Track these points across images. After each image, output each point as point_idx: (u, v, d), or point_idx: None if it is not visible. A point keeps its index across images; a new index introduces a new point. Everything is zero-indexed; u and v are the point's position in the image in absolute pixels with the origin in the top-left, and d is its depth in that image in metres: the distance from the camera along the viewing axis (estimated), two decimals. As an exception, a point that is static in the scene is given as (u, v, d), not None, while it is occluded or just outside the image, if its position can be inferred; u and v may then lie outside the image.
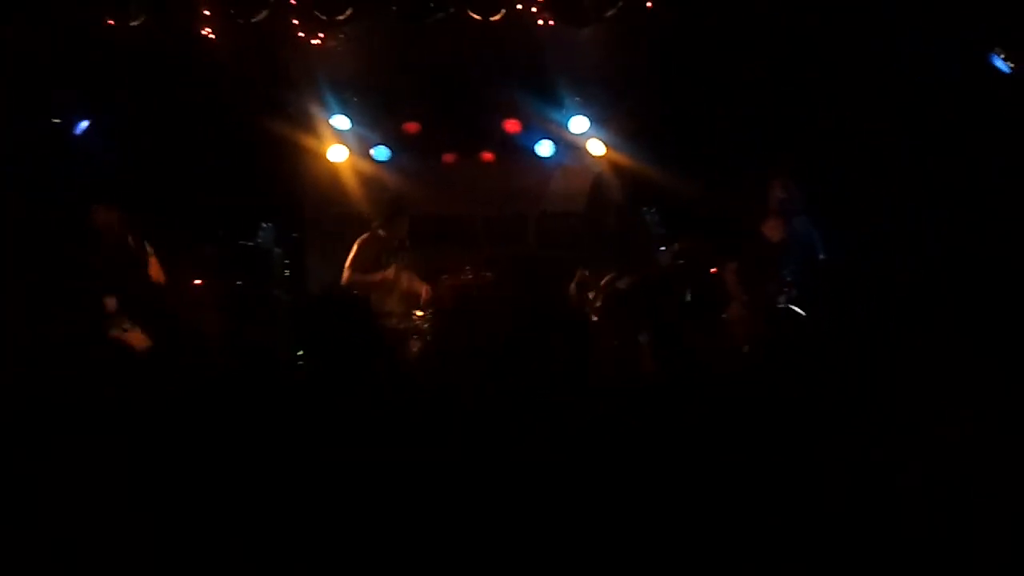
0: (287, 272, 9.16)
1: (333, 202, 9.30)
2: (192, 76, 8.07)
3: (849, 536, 2.76)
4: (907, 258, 6.99)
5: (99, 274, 6.90)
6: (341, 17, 7.17)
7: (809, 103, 7.44)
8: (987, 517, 2.69)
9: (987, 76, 6.87)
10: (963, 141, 6.90)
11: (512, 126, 8.97)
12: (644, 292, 6.87)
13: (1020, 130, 6.61)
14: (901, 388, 3.23)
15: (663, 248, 6.87)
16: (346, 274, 7.59)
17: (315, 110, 8.78)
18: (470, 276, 8.28)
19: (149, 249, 7.18)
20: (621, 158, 8.70)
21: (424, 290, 7.65)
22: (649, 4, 7.22)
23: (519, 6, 7.19)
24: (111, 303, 6.86)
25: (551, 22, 7.28)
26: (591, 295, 7.02)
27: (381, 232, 7.60)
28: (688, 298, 7.83)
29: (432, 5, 7.10)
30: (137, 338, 6.83)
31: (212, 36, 7.36)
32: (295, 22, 7.38)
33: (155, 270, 7.21)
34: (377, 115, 9.03)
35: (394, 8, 7.23)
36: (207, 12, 7.26)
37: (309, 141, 8.99)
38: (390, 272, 7.53)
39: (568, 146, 9.06)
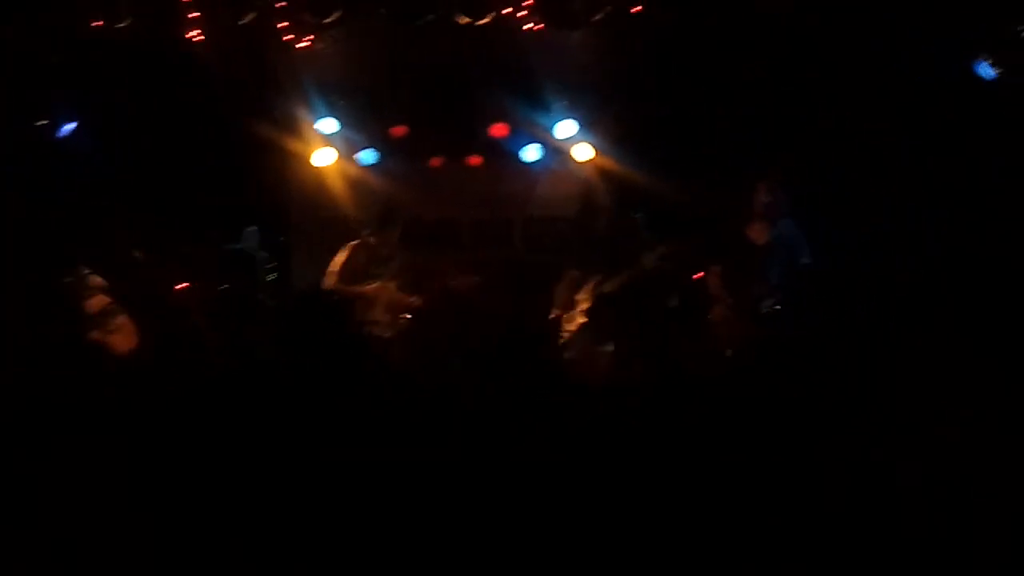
0: (272, 276, 9.14)
1: (319, 206, 9.26)
2: (178, 78, 8.03)
3: (848, 536, 2.77)
4: (907, 258, 7.01)
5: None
6: (329, 20, 7.16)
7: (807, 104, 7.46)
8: (987, 517, 2.70)
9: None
10: (963, 141, 6.92)
11: (499, 130, 8.96)
12: (630, 294, 6.88)
13: (1020, 130, 6.63)
14: (901, 388, 3.24)
15: (649, 251, 6.88)
16: (331, 280, 7.56)
17: (302, 113, 8.75)
18: (456, 280, 8.27)
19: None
20: (608, 162, 8.70)
21: (410, 301, 7.65)
22: (636, 9, 7.21)
23: (507, 10, 7.19)
24: (94, 304, 6.81)
25: (539, 26, 7.28)
26: (579, 297, 7.02)
27: (372, 240, 7.58)
28: (673, 303, 7.85)
29: (421, 9, 7.09)
30: (121, 340, 6.80)
31: (199, 38, 7.32)
32: (283, 25, 7.35)
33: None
34: (364, 118, 9.01)
35: (383, 11, 7.22)
36: (194, 14, 7.22)
37: (296, 144, 8.96)
38: (374, 288, 7.50)
39: (555, 150, 9.07)
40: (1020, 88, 6.70)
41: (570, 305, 7.10)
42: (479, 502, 2.99)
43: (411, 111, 8.98)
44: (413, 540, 2.93)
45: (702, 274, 7.08)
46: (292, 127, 8.84)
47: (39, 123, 7.96)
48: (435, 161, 9.33)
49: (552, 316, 7.18)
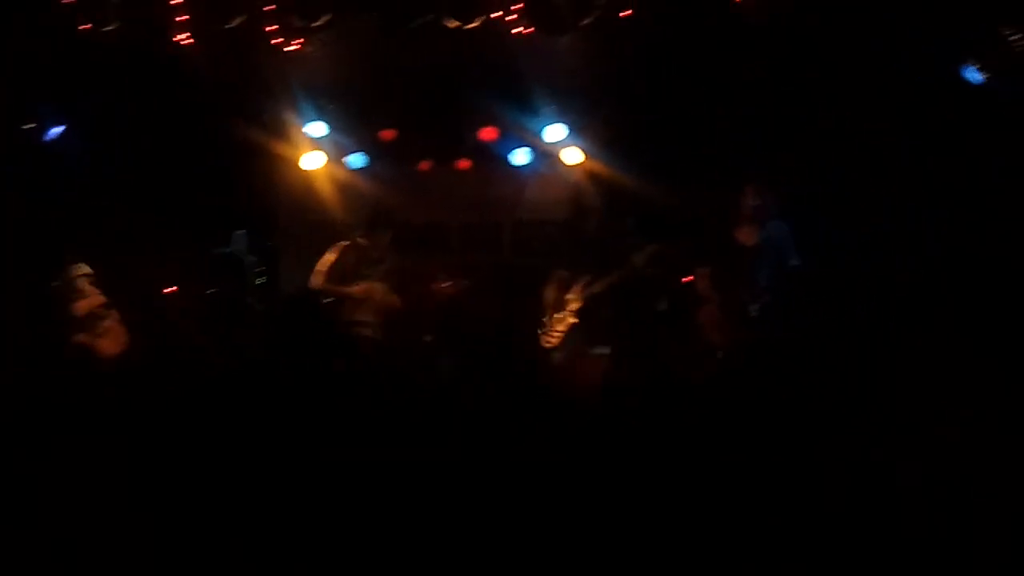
0: (261, 280, 9.12)
1: (308, 209, 9.25)
2: (167, 82, 8.01)
3: (848, 536, 2.77)
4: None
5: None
6: (318, 23, 7.14)
7: (799, 104, 7.46)
8: (987, 517, 2.70)
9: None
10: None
11: (488, 134, 8.97)
12: (620, 295, 6.89)
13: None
14: (900, 388, 3.25)
15: (638, 252, 6.89)
16: (319, 279, 7.55)
17: (291, 117, 8.73)
18: (446, 283, 8.27)
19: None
20: (597, 166, 8.71)
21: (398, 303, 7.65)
22: (625, 13, 7.22)
23: (496, 14, 7.19)
24: (82, 306, 6.80)
25: (528, 30, 7.28)
26: (568, 297, 7.02)
27: (363, 241, 7.57)
28: (663, 306, 7.87)
29: (410, 13, 7.09)
30: (109, 343, 6.79)
31: (187, 42, 7.30)
32: (271, 28, 7.33)
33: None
34: (353, 122, 9.00)
35: (372, 15, 7.21)
36: (182, 17, 7.20)
37: (284, 148, 8.94)
38: (361, 288, 7.49)
39: (544, 154, 9.07)
40: (1015, 91, 6.70)
41: (559, 305, 7.10)
42: (468, 502, 2.98)
43: (400, 115, 8.97)
44: (405, 539, 2.93)
45: (691, 278, 7.10)
46: (281, 131, 8.82)
47: (26, 127, 7.92)
48: (424, 165, 9.34)
49: (542, 318, 7.18)
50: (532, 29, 7.25)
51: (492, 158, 9.18)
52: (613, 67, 7.98)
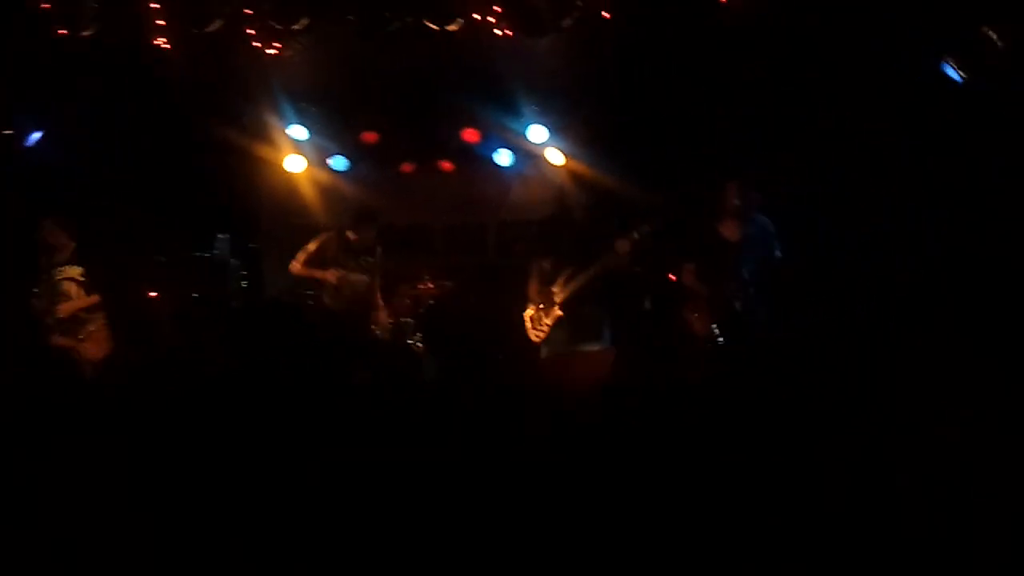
0: (244, 283, 9.11)
1: (291, 212, 9.24)
2: (146, 87, 7.99)
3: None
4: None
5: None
6: (297, 27, 7.12)
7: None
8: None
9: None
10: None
11: (470, 135, 8.97)
12: (605, 291, 6.88)
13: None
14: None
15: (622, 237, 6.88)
16: (296, 265, 7.61)
17: (272, 120, 8.72)
18: (430, 285, 8.27)
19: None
20: (579, 166, 8.72)
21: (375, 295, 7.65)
22: (605, 14, 7.22)
23: (476, 16, 7.18)
24: (63, 309, 6.78)
25: (508, 32, 7.27)
26: (554, 290, 7.02)
27: (350, 235, 7.57)
28: (648, 305, 7.88)
29: (389, 15, 7.07)
30: (92, 347, 6.77)
31: (166, 46, 7.27)
32: (250, 32, 7.30)
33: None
34: (335, 125, 8.99)
35: (351, 18, 7.20)
36: (160, 22, 7.17)
37: (266, 151, 8.93)
38: (333, 274, 7.51)
39: (527, 155, 9.07)
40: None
41: (545, 299, 7.07)
42: (460, 503, 2.98)
43: (382, 117, 8.97)
44: (394, 540, 2.92)
45: (676, 277, 7.10)
46: (262, 134, 8.81)
47: (4, 132, 7.90)
48: (407, 167, 9.34)
49: (527, 312, 7.16)
50: (511, 31, 7.23)
51: (475, 159, 9.19)
52: (593, 67, 7.98)
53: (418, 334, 7.81)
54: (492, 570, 2.85)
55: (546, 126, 8.73)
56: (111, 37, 7.18)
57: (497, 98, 8.58)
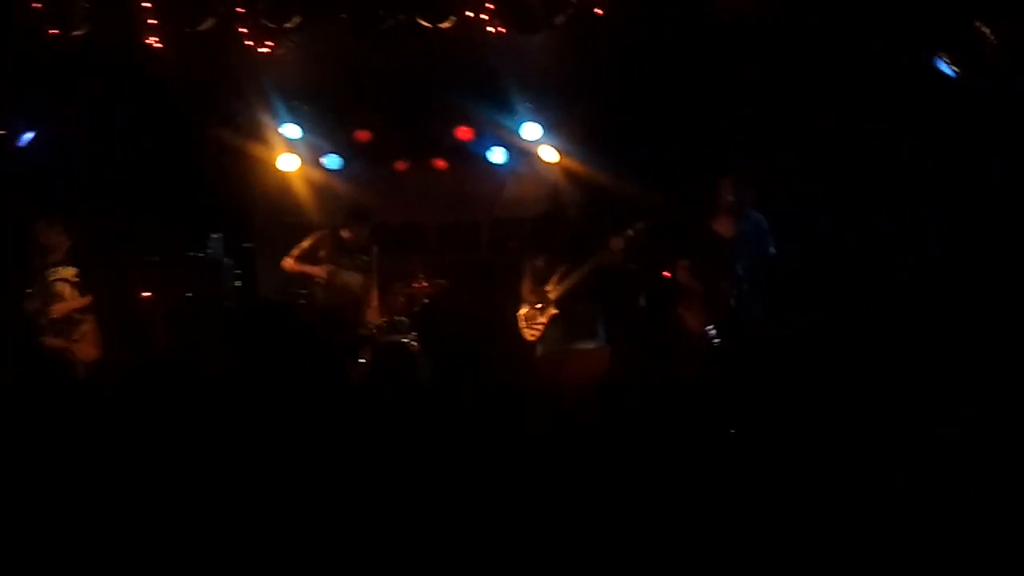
0: (238, 283, 9.09)
1: (285, 211, 9.22)
2: (139, 86, 7.96)
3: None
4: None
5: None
6: (289, 25, 7.10)
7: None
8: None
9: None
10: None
11: (464, 133, 8.95)
12: (600, 288, 6.88)
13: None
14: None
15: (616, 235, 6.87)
16: (287, 261, 7.63)
17: (265, 119, 8.70)
18: (424, 283, 8.25)
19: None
20: (574, 164, 8.71)
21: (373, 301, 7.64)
22: (598, 11, 7.21)
23: (469, 14, 7.17)
24: (57, 310, 6.76)
25: (501, 29, 7.26)
26: (548, 288, 7.01)
27: (343, 233, 7.57)
28: (642, 302, 7.88)
29: (382, 13, 7.05)
30: (86, 347, 6.76)
31: (158, 45, 7.25)
32: (242, 30, 7.28)
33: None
34: (328, 123, 8.97)
35: (343, 16, 7.18)
36: (152, 21, 7.15)
37: (259, 150, 8.91)
38: (323, 269, 7.51)
39: (521, 152, 9.06)
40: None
41: (539, 297, 7.07)
42: (456, 501, 2.98)
43: (375, 116, 8.95)
44: (389, 539, 2.92)
45: (669, 275, 7.11)
46: (256, 133, 8.79)
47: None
48: (400, 165, 9.32)
49: (521, 311, 7.15)
50: (504, 28, 7.21)
51: (468, 157, 9.17)
52: (587, 65, 7.97)
53: (413, 332, 7.79)
54: (490, 568, 2.85)
55: (540, 124, 8.72)
56: (103, 37, 7.15)
57: (491, 96, 8.56)
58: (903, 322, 5.98)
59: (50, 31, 7.09)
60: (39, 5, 7.02)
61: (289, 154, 8.95)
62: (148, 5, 7.08)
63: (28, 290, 6.88)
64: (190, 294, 8.62)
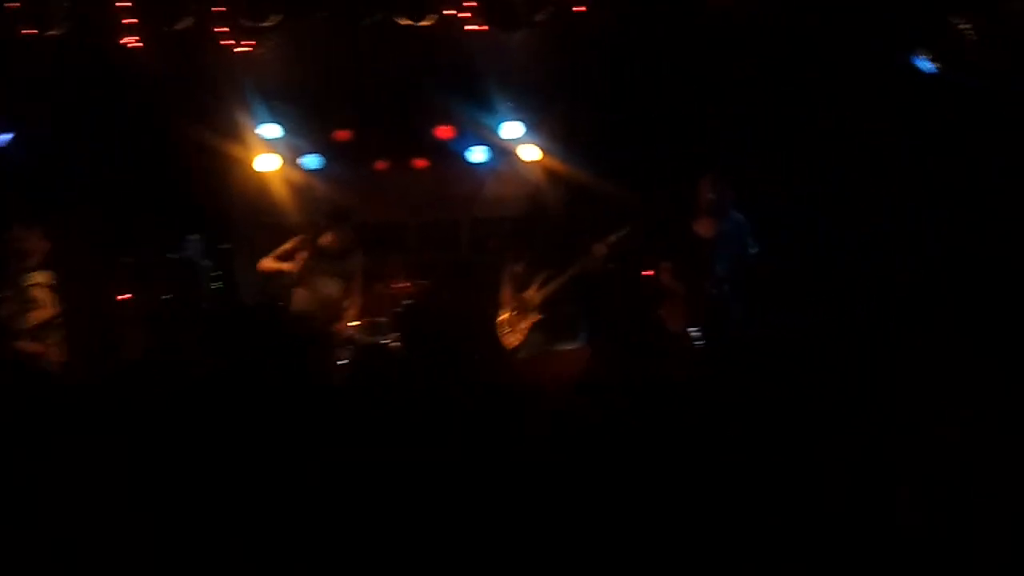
0: (217, 285, 9.03)
1: (263, 212, 9.16)
2: (115, 86, 7.90)
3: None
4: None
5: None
6: (267, 24, 7.04)
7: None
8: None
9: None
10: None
11: (444, 132, 8.93)
12: (582, 289, 6.87)
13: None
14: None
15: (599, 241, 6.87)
16: (263, 262, 7.56)
17: (243, 118, 8.63)
18: (405, 283, 8.23)
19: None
20: (555, 163, 8.70)
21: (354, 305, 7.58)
22: (578, 8, 7.20)
23: (448, 11, 7.14)
24: (34, 316, 6.69)
25: (482, 27, 7.24)
26: (528, 294, 6.98)
27: (322, 239, 7.47)
28: (621, 301, 7.87)
29: (360, 11, 7.02)
30: (62, 353, 6.69)
31: (135, 45, 7.18)
32: (221, 30, 7.23)
33: None
34: (307, 123, 8.92)
35: (322, 15, 7.14)
36: (129, 21, 7.08)
37: (238, 150, 8.84)
38: (292, 265, 7.44)
39: (501, 151, 9.04)
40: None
41: (520, 304, 7.04)
42: (439, 505, 2.96)
43: (355, 115, 8.91)
44: (375, 537, 2.90)
45: (651, 272, 7.10)
46: (234, 133, 8.73)
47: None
48: (381, 164, 9.28)
49: (501, 317, 7.13)
50: (485, 26, 7.19)
51: (449, 156, 9.14)
52: (568, 62, 7.97)
53: (394, 333, 7.75)
54: (477, 570, 2.84)
55: (521, 122, 8.69)
56: (80, 37, 7.09)
57: (471, 94, 8.54)
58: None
59: (26, 31, 7.01)
60: (15, 4, 6.94)
61: (268, 154, 8.89)
62: (126, 4, 7.01)
63: (3, 295, 6.79)
64: (168, 296, 8.54)
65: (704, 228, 6.65)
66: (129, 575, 2.89)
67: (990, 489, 2.74)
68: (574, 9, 7.21)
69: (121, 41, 7.19)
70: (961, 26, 6.77)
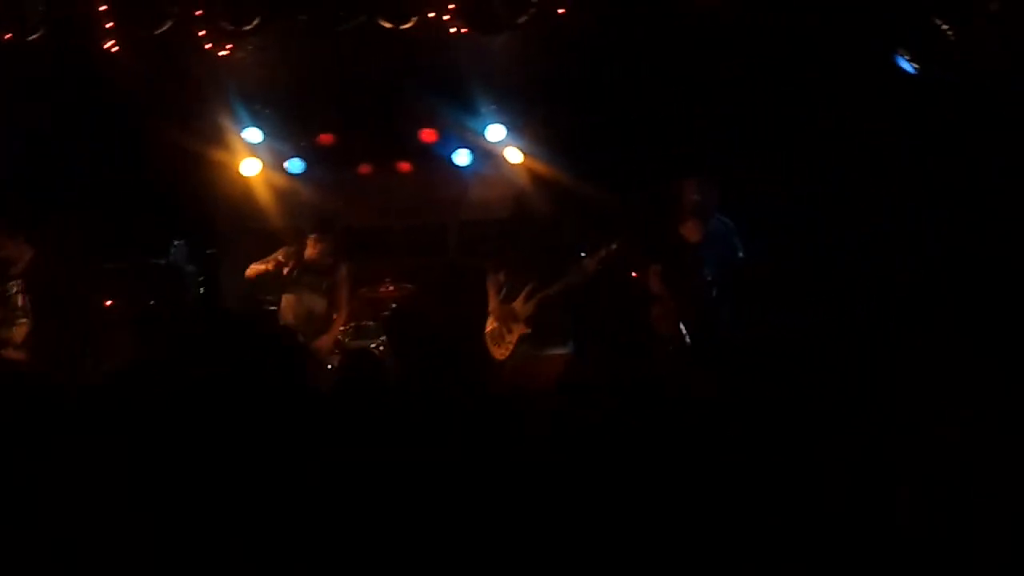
0: (202, 290, 8.98)
1: (247, 216, 9.12)
2: (96, 90, 7.85)
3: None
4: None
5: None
6: (248, 27, 7.00)
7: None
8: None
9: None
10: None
11: (428, 135, 8.91)
12: (570, 297, 6.85)
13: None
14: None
15: (584, 255, 6.85)
16: (251, 268, 7.48)
17: (226, 123, 8.59)
18: (391, 288, 8.20)
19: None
20: (539, 166, 8.69)
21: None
22: (561, 11, 7.19)
23: (431, 14, 7.11)
24: (19, 325, 6.65)
25: (463, 30, 7.22)
26: (515, 306, 6.93)
27: (308, 253, 7.40)
28: (611, 304, 7.86)
29: (342, 14, 6.98)
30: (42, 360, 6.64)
31: (115, 49, 7.13)
32: (201, 33, 7.18)
33: None
34: (290, 127, 8.89)
35: (303, 18, 7.10)
36: (108, 25, 7.03)
37: (221, 155, 8.80)
38: (273, 262, 7.36)
39: (485, 154, 9.02)
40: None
41: (506, 316, 6.98)
42: (431, 510, 2.94)
43: (338, 119, 8.89)
44: (364, 542, 2.88)
45: (636, 275, 7.10)
46: (217, 137, 8.69)
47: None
48: (364, 168, 9.25)
49: (488, 328, 7.07)
50: (467, 29, 7.17)
51: (433, 159, 9.12)
52: (551, 65, 7.96)
53: (381, 337, 7.72)
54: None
55: (504, 125, 8.68)
56: (59, 41, 7.04)
57: (454, 97, 8.53)
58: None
59: (5, 36, 6.95)
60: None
61: (251, 158, 8.85)
62: (104, 8, 6.96)
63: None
64: (153, 302, 8.50)
65: (690, 230, 6.64)
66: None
67: (990, 489, 2.73)
68: (556, 11, 7.18)
69: (101, 46, 7.14)
70: (941, 25, 6.79)
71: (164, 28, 6.92)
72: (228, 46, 7.35)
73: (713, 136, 7.62)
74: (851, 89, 7.30)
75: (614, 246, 6.63)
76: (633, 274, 7.19)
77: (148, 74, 7.60)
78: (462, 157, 9.07)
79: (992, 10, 6.52)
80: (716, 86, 7.66)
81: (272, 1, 7.03)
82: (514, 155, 8.78)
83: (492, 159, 9.00)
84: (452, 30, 7.22)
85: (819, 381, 3.41)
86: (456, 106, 8.64)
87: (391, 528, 2.90)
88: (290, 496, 2.99)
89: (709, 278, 6.48)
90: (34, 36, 6.96)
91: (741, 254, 6.59)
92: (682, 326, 6.39)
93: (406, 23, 7.07)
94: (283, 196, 9.03)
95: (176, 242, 8.89)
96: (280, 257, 7.42)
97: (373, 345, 7.68)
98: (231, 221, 9.28)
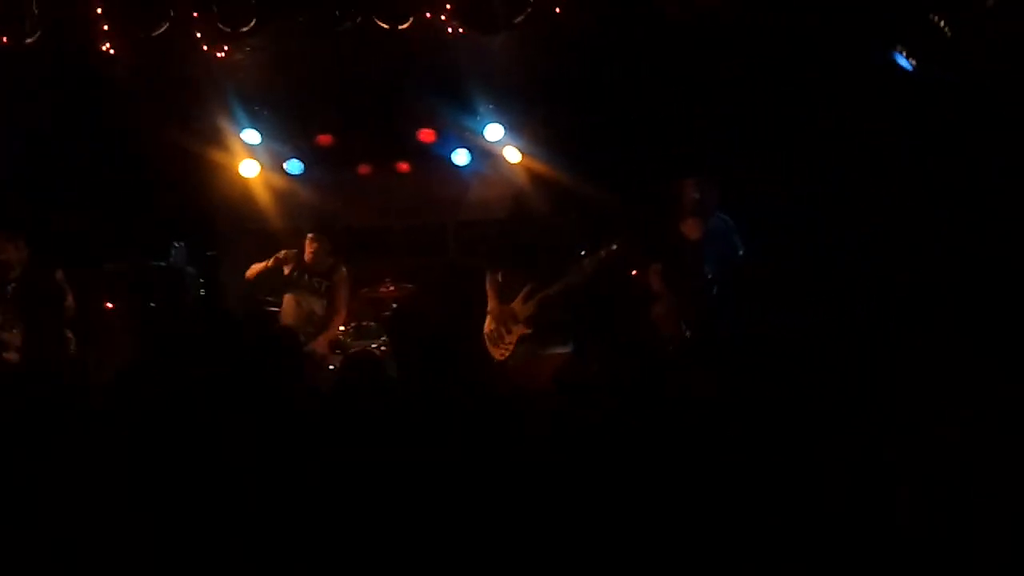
0: (202, 292, 8.99)
1: (247, 218, 9.12)
2: (95, 93, 7.85)
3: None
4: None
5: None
6: (245, 29, 6.99)
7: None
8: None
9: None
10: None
11: (427, 135, 8.90)
12: (570, 297, 6.85)
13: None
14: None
15: (584, 254, 6.85)
16: (251, 268, 7.51)
17: (225, 124, 8.59)
18: (391, 288, 8.19)
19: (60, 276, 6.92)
20: (537, 165, 8.69)
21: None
22: (558, 10, 7.19)
23: (428, 14, 7.11)
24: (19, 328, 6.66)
25: (461, 30, 7.22)
26: (515, 306, 6.93)
27: (307, 256, 7.40)
28: (611, 303, 7.86)
29: (339, 14, 6.97)
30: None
31: (112, 51, 7.13)
32: (198, 35, 7.18)
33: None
34: (289, 128, 8.88)
35: (300, 19, 7.10)
36: (106, 27, 7.02)
37: (220, 156, 8.80)
38: (274, 261, 7.39)
39: (484, 154, 9.02)
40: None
41: (505, 317, 6.98)
42: (431, 511, 2.95)
43: (336, 119, 8.88)
44: (363, 542, 2.88)
45: (635, 272, 7.10)
46: (216, 139, 8.69)
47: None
48: (363, 169, 9.24)
49: (487, 328, 7.07)
50: (464, 28, 7.17)
51: (432, 159, 9.11)
52: (550, 64, 7.95)
53: (381, 337, 7.72)
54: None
55: (502, 125, 8.68)
56: (57, 43, 7.03)
57: (452, 97, 8.52)
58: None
59: (2, 39, 6.95)
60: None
61: (250, 160, 8.85)
62: (100, 10, 6.96)
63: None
64: (153, 304, 8.50)
65: (690, 228, 6.65)
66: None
67: (990, 489, 2.73)
68: (554, 11, 7.18)
69: (99, 48, 7.14)
70: (938, 23, 6.79)
71: (161, 30, 6.91)
72: (225, 47, 7.35)
73: (713, 136, 7.61)
74: (851, 89, 7.29)
75: (614, 246, 6.64)
76: (633, 273, 7.19)
77: (147, 75, 7.60)
78: (461, 157, 9.06)
79: (989, 7, 6.52)
80: (716, 86, 7.65)
81: (269, 2, 7.02)
82: (513, 155, 8.78)
83: (491, 159, 8.99)
84: (449, 30, 7.21)
85: (819, 381, 3.41)
86: (455, 106, 8.63)
87: (391, 527, 2.91)
88: (290, 495, 3.00)
89: (709, 276, 6.48)
90: (32, 38, 6.95)
91: (741, 252, 6.60)
92: (682, 325, 6.40)
93: (403, 23, 7.06)
94: (282, 197, 9.03)
95: (176, 244, 8.88)
96: (280, 255, 7.44)
97: (374, 345, 7.68)
98: (231, 222, 9.28)
